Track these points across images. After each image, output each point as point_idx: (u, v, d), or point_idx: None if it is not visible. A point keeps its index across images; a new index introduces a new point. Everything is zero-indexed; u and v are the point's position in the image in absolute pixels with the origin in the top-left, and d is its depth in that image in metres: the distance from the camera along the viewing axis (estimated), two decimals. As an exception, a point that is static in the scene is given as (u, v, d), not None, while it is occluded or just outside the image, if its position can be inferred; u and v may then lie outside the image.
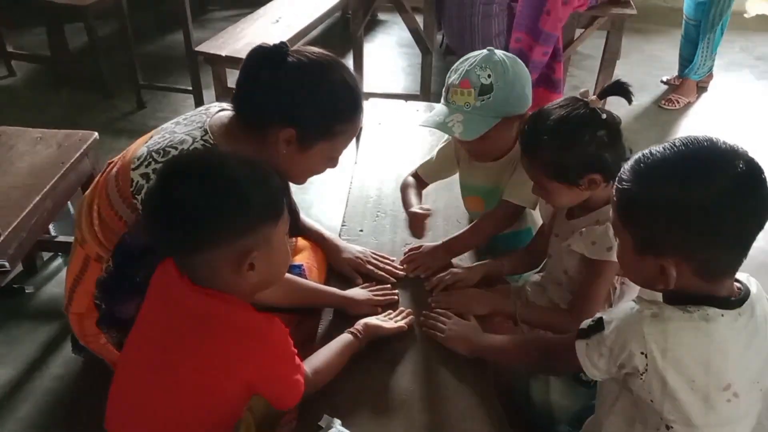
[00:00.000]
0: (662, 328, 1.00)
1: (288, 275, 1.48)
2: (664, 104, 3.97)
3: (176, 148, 1.30)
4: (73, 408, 1.99)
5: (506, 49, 3.30)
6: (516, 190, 1.64)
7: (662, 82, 4.27)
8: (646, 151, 1.01)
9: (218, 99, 3.65)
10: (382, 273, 1.62)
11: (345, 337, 1.38)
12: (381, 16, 5.17)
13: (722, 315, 1.01)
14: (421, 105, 2.56)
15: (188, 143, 1.31)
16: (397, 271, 1.64)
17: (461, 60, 1.57)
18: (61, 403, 2.01)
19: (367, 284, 1.59)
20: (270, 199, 1.08)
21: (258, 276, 1.09)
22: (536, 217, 1.81)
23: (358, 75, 3.61)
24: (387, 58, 4.60)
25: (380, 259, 1.67)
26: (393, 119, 2.41)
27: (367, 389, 1.33)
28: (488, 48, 1.56)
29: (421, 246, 1.69)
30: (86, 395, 2.00)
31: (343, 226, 1.84)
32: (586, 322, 1.12)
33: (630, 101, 1.34)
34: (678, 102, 3.98)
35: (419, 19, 3.45)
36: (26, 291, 2.38)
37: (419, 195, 1.80)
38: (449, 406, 1.30)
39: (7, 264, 1.81)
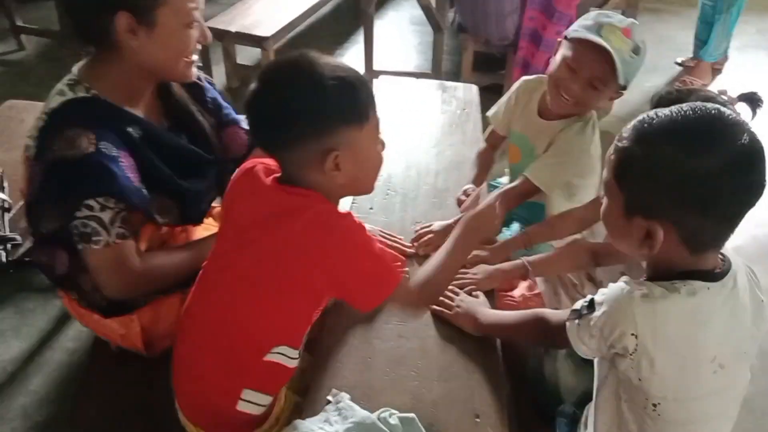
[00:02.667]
0: (652, 308, 1.00)
1: None
2: (677, 86, 3.92)
3: (48, 99, 1.32)
4: (85, 381, 2.01)
5: (519, 27, 3.27)
6: (539, 170, 1.68)
7: (676, 63, 4.22)
8: (652, 112, 1.00)
9: (228, 75, 3.64)
10: (392, 252, 1.61)
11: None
12: (392, -7, 5.13)
13: (708, 288, 1.01)
14: (433, 83, 2.53)
15: (55, 90, 1.33)
16: (406, 249, 1.63)
17: (610, 13, 1.58)
18: (73, 375, 2.04)
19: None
20: (353, 103, 1.12)
21: (344, 177, 1.14)
22: (554, 200, 1.81)
23: (368, 53, 3.59)
24: (397, 35, 4.56)
25: (389, 236, 1.66)
26: (404, 97, 2.39)
27: (376, 364, 1.33)
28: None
29: (431, 224, 1.69)
30: (98, 368, 2.02)
31: (352, 203, 1.83)
32: (579, 303, 1.12)
33: (754, 115, 1.33)
34: (692, 84, 3.93)
35: (431, -3, 3.42)
36: (37, 264, 2.40)
37: (485, 164, 1.89)
38: (457, 382, 1.30)
39: (18, 237, 1.82)
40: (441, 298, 1.46)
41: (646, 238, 1.01)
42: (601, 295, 1.08)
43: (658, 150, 0.97)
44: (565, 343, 1.21)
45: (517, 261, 1.59)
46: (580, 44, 1.56)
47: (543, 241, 1.65)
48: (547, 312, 1.35)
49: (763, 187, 0.96)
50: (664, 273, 1.04)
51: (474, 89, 2.48)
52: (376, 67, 3.64)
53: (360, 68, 3.73)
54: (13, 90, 3.39)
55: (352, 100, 1.12)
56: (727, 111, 0.97)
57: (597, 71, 1.55)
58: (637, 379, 1.04)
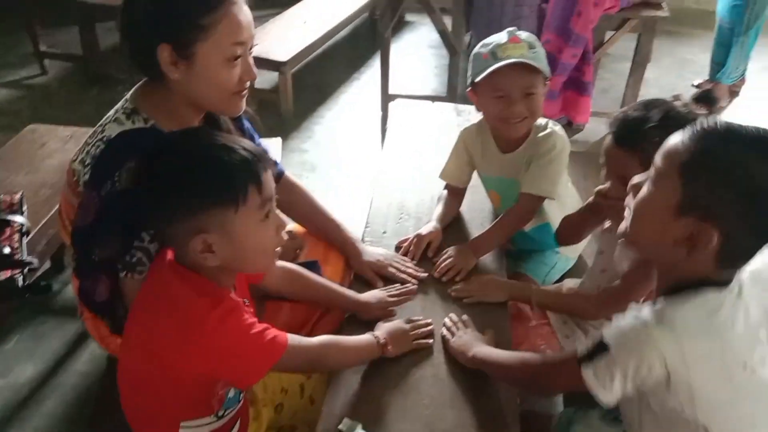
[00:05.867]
0: (671, 328, 0.96)
1: (300, 269, 1.50)
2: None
3: (102, 125, 1.33)
4: (99, 404, 2.01)
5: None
6: (534, 182, 1.68)
7: (693, 86, 4.19)
8: (732, 123, 0.97)
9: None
10: (404, 276, 1.60)
11: (369, 341, 1.35)
12: (408, 17, 5.17)
13: (719, 292, 0.99)
14: (448, 106, 2.54)
15: (110, 116, 1.34)
16: (419, 274, 1.62)
17: (488, 39, 1.65)
18: (87, 398, 2.04)
19: (386, 287, 1.57)
20: (224, 184, 1.06)
21: (220, 260, 1.09)
22: (553, 213, 1.81)
23: (385, 77, 3.60)
24: (414, 59, 4.59)
25: (401, 262, 1.65)
26: (418, 120, 2.40)
27: (388, 392, 1.31)
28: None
29: (446, 251, 1.68)
30: (111, 391, 2.01)
31: (366, 227, 1.83)
32: (584, 346, 1.06)
33: (711, 111, 1.36)
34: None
35: (447, 21, 3.43)
36: (53, 289, 2.41)
37: (448, 206, 1.83)
38: (471, 410, 1.28)
39: (35, 261, 1.83)
40: (449, 323, 1.45)
41: (687, 240, 0.96)
42: (609, 334, 1.02)
43: (748, 157, 0.93)
44: (559, 387, 1.20)
45: (527, 288, 1.61)
46: (493, 77, 1.60)
47: (547, 309, 1.63)
48: (534, 357, 1.30)
49: None
50: (675, 285, 1.01)
51: (489, 113, 2.48)
52: (392, 91, 3.65)
53: (376, 92, 3.76)
54: (36, 114, 3.46)
55: (223, 180, 1.06)
56: None
57: (524, 81, 1.60)
58: (681, 407, 0.99)
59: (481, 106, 1.72)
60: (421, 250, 1.68)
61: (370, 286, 1.60)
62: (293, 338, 1.19)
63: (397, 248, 1.72)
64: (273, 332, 1.15)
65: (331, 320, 1.56)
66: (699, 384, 0.97)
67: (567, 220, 1.67)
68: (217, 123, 1.48)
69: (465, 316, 1.48)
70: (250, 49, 1.35)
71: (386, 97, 3.68)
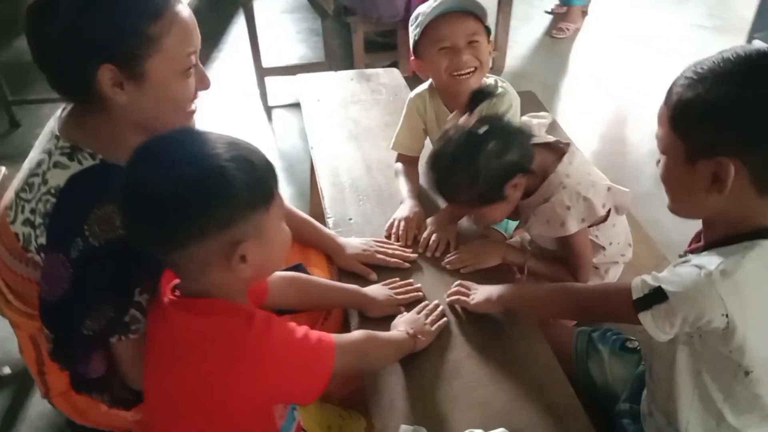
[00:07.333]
0: (734, 283, 0.97)
1: (297, 274, 1.40)
2: (555, 33, 4.08)
3: (37, 174, 1.13)
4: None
5: (409, 5, 3.23)
6: None
7: (546, 12, 4.37)
8: (701, 60, 0.98)
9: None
10: (396, 260, 1.53)
11: (401, 335, 1.29)
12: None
13: None
14: (352, 73, 2.45)
15: (45, 162, 1.13)
16: (409, 255, 1.55)
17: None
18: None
19: (387, 281, 1.48)
20: (257, 184, 0.96)
21: (251, 269, 0.98)
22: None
23: (255, 50, 3.40)
24: (274, 26, 4.36)
25: (386, 246, 1.57)
26: (330, 95, 2.28)
27: (431, 386, 1.25)
28: None
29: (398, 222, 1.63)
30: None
31: (328, 218, 1.72)
32: (638, 291, 1.07)
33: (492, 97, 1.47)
34: (567, 29, 4.10)
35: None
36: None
37: (411, 178, 1.76)
38: (518, 383, 1.25)
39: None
40: (458, 292, 1.42)
41: (714, 182, 0.97)
42: (669, 282, 1.03)
43: (716, 85, 0.94)
44: (605, 319, 1.21)
45: (521, 253, 1.60)
46: (434, 28, 1.57)
47: (537, 276, 1.61)
48: (577, 285, 1.34)
49: None
50: (731, 232, 1.02)
51: (396, 73, 2.44)
52: (264, 63, 3.47)
53: (243, 66, 3.55)
54: None
55: (255, 180, 0.95)
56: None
57: (466, 27, 1.58)
58: (728, 351, 1.01)
59: (429, 66, 1.64)
60: (413, 234, 1.61)
61: (360, 279, 1.52)
62: (336, 336, 1.11)
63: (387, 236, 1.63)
64: (315, 333, 1.06)
65: (332, 326, 1.46)
66: (753, 333, 0.99)
67: None
68: None
69: (459, 281, 1.46)
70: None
71: (261, 71, 3.50)
